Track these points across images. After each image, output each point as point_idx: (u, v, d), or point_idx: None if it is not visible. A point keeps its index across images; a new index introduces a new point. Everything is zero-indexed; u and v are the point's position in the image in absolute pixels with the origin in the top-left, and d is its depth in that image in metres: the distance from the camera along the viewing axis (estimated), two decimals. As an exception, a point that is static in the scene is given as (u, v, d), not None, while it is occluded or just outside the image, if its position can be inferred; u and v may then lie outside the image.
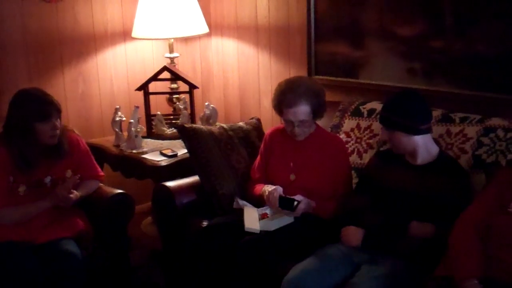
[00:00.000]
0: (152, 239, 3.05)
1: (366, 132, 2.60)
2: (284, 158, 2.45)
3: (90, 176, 2.57)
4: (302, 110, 2.30)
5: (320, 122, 2.52)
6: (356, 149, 2.59)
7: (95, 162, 2.61)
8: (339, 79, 2.96)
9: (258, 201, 2.41)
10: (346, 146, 2.57)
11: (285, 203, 2.27)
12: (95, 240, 2.45)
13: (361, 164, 2.54)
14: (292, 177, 2.41)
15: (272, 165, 2.49)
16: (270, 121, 3.19)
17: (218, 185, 2.57)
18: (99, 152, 3.02)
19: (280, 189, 2.33)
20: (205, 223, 2.49)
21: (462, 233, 1.89)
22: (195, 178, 2.67)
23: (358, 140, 2.61)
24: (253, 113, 3.28)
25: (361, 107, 2.68)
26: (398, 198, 2.13)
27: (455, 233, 1.90)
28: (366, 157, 2.52)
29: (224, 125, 2.80)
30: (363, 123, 2.63)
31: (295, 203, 2.26)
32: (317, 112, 2.35)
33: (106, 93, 3.41)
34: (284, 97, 2.33)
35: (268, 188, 2.36)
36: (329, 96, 3.01)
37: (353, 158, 2.58)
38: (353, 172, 2.53)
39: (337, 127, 2.70)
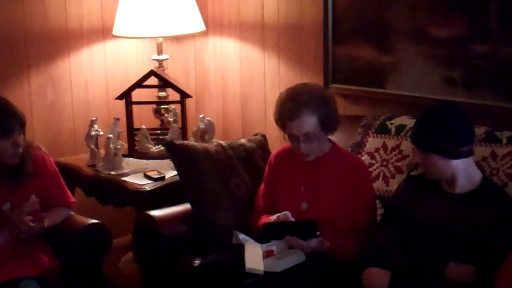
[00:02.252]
0: (133, 280, 3.03)
1: (394, 153, 2.61)
2: (293, 183, 2.46)
3: (59, 202, 2.58)
4: (307, 121, 2.32)
5: (337, 140, 2.54)
6: (381, 174, 2.60)
7: (65, 185, 2.63)
8: (361, 88, 2.99)
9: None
10: (370, 169, 2.58)
11: (303, 229, 2.27)
12: (63, 281, 2.45)
13: (388, 192, 2.55)
14: (304, 206, 2.42)
15: (279, 192, 2.51)
16: (278, 139, 3.19)
17: (214, 215, 2.58)
18: (70, 173, 3.04)
19: (289, 214, 2.34)
20: (197, 262, 2.49)
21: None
22: (186, 207, 2.68)
23: (384, 162, 2.62)
24: (258, 129, 3.30)
25: (388, 122, 2.70)
26: (432, 234, 2.13)
27: (507, 267, 1.89)
28: (394, 184, 2.52)
29: (223, 143, 2.81)
30: (390, 142, 2.64)
31: (318, 233, 2.26)
32: (326, 124, 2.37)
33: (80, 102, 3.44)
34: (285, 108, 2.36)
35: (274, 216, 2.38)
36: (350, 109, 3.07)
37: (378, 185, 2.58)
38: (377, 201, 2.53)
39: (359, 146, 2.71)
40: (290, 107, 2.33)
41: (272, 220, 2.38)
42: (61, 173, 2.65)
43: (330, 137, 2.48)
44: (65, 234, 2.53)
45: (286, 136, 2.43)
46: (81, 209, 2.79)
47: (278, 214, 2.36)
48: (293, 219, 2.34)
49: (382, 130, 2.68)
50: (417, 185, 2.26)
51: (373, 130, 2.71)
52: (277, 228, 2.33)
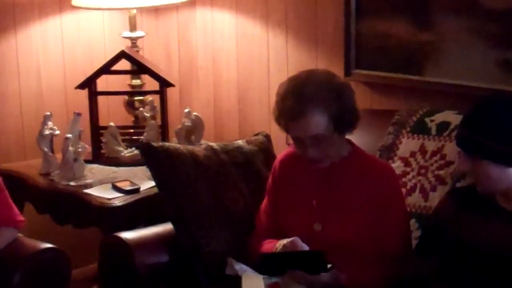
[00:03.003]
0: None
1: (434, 158, 2.62)
2: (304, 197, 2.47)
3: (2, 221, 2.58)
4: (314, 121, 2.32)
5: (361, 142, 2.54)
6: (418, 185, 2.61)
7: (10, 200, 2.63)
8: (393, 75, 3.00)
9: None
10: (403, 179, 2.59)
11: (310, 261, 2.28)
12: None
13: (427, 209, 2.56)
14: (317, 227, 2.43)
15: (285, 208, 2.51)
16: (286, 140, 3.22)
17: (203, 238, 2.58)
18: (17, 184, 3.05)
19: (299, 241, 2.35)
20: (181, 300, 2.51)
21: None
22: (166, 228, 2.69)
23: (422, 170, 2.62)
24: (259, 127, 3.31)
25: (427, 119, 2.71)
26: (485, 264, 2.13)
27: None
28: (435, 198, 2.53)
29: (214, 145, 2.82)
30: (431, 145, 2.64)
31: (329, 265, 2.27)
32: (341, 122, 2.37)
33: (30, 92, 3.45)
34: (286, 104, 2.36)
35: (284, 241, 2.39)
36: (378, 102, 3.09)
37: (414, 199, 2.59)
38: (412, 221, 2.53)
39: (390, 149, 2.72)
40: (292, 103, 2.33)
41: (278, 249, 2.38)
42: (6, 184, 2.65)
43: (350, 137, 2.49)
44: (10, 262, 2.52)
45: (289, 139, 2.44)
46: (31, 230, 2.80)
47: (284, 242, 2.36)
48: (305, 247, 2.33)
49: (420, 129, 2.69)
50: (465, 200, 2.26)
51: (408, 129, 2.71)
52: (277, 260, 2.33)
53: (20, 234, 2.64)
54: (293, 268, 2.28)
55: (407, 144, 2.69)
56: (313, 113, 2.31)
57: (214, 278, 2.54)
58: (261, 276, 2.37)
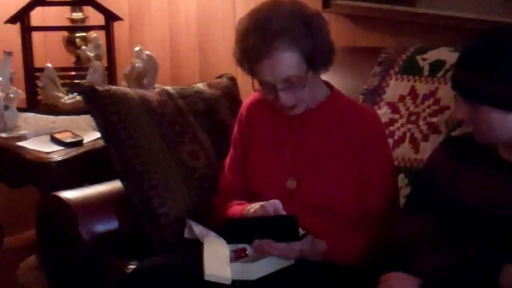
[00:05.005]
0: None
1: (427, 103, 2.63)
2: (275, 148, 2.48)
3: None
4: (284, 60, 2.31)
5: (340, 85, 2.53)
6: (408, 134, 2.63)
7: None
8: (379, 6, 3.00)
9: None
10: (390, 128, 2.61)
11: (280, 228, 2.27)
12: None
13: (417, 162, 2.58)
14: (291, 183, 2.44)
15: (254, 162, 2.51)
16: (252, 85, 3.21)
17: (157, 198, 2.59)
18: None
19: (279, 204, 2.33)
20: (132, 266, 2.51)
21: None
22: (114, 186, 2.71)
23: (413, 117, 2.64)
24: (224, 69, 3.29)
25: (418, 57, 2.72)
26: (483, 224, 2.14)
27: None
28: (427, 149, 2.55)
29: (170, 89, 2.82)
30: (422, 87, 2.66)
31: (302, 231, 2.26)
32: (314, 58, 2.36)
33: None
34: (247, 44, 2.35)
35: (257, 205, 2.37)
36: (362, 38, 3.09)
37: (402, 151, 2.61)
38: (401, 176, 2.56)
39: (375, 93, 2.73)
40: (255, 41, 2.32)
41: (251, 211, 2.36)
42: None
43: (328, 79, 2.48)
44: None
45: (255, 83, 2.42)
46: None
47: (263, 203, 2.34)
48: (282, 212, 2.32)
49: (410, 69, 2.70)
50: (462, 151, 2.27)
51: (396, 70, 2.72)
52: (243, 226, 2.33)
53: None
54: (260, 236, 2.27)
55: (396, 87, 2.70)
56: (282, 51, 2.30)
57: (169, 244, 2.55)
58: (224, 240, 2.38)
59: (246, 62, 2.39)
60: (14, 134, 3.04)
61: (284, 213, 2.32)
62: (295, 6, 2.40)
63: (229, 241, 2.34)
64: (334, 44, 2.41)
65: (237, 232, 2.31)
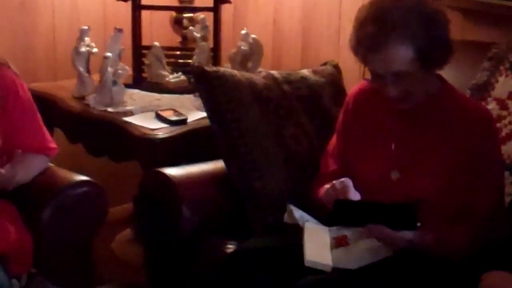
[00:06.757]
0: (133, 269, 3.11)
1: (538, 101, 2.61)
2: (380, 139, 2.47)
3: (33, 147, 2.61)
4: (398, 54, 2.29)
5: (451, 78, 2.51)
6: (516, 132, 2.61)
7: (42, 124, 2.67)
8: (489, 0, 2.96)
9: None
10: (498, 124, 2.57)
11: (396, 216, 2.25)
12: (36, 263, 2.49)
13: (525, 160, 2.55)
14: (395, 175, 2.43)
15: (358, 151, 2.52)
16: (358, 71, 3.19)
17: (259, 180, 2.61)
18: (46, 107, 3.07)
19: (349, 183, 2.34)
20: (231, 247, 2.54)
21: None
22: (217, 166, 2.73)
23: (522, 115, 2.63)
24: (326, 56, 3.29)
25: (531, 55, 2.69)
26: None
27: None
28: (536, 148, 2.53)
29: (275, 73, 2.83)
30: (534, 86, 2.64)
31: (418, 224, 2.24)
32: (429, 57, 2.33)
33: (63, 3, 3.46)
34: (364, 32, 2.33)
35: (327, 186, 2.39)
36: (471, 32, 3.05)
37: (509, 148, 2.59)
38: (506, 173, 2.53)
39: (483, 89, 2.71)
40: (372, 31, 2.30)
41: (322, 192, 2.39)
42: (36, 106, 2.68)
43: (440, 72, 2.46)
44: (40, 195, 2.56)
45: (367, 72, 2.41)
46: (61, 160, 2.83)
47: (334, 182, 2.36)
48: (357, 195, 2.33)
49: (522, 66, 2.68)
50: None
51: (507, 66, 2.70)
52: (355, 208, 2.32)
53: (51, 164, 2.69)
54: (373, 221, 2.26)
55: (505, 84, 2.67)
56: (397, 45, 2.28)
57: (270, 227, 2.57)
58: (326, 228, 2.39)
59: (360, 51, 2.37)
60: (120, 109, 3.08)
61: (355, 192, 2.33)
62: (417, 0, 2.37)
63: (336, 223, 2.35)
64: (453, 44, 2.37)
65: (347, 214, 2.29)
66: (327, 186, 2.40)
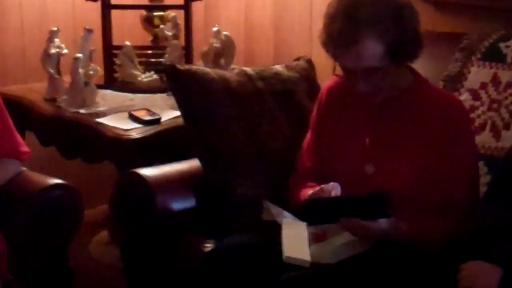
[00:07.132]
0: (110, 270, 3.09)
1: (509, 90, 2.60)
2: (354, 133, 2.48)
3: (5, 152, 2.60)
4: (368, 50, 2.29)
5: (423, 70, 2.51)
6: (489, 122, 2.61)
7: (13, 127, 2.65)
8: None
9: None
10: (471, 115, 2.57)
11: (367, 207, 2.25)
12: (12, 269, 2.47)
13: (498, 150, 2.56)
14: (370, 169, 2.43)
15: (333, 146, 2.51)
16: (332, 66, 3.19)
17: (235, 178, 2.61)
18: (18, 111, 3.05)
19: (338, 187, 2.35)
20: (209, 246, 2.53)
21: None
22: (192, 165, 2.71)
23: (495, 105, 2.62)
24: (299, 51, 3.28)
25: (502, 44, 2.68)
26: None
27: None
28: (508, 138, 2.53)
29: (248, 70, 2.82)
30: (505, 75, 2.63)
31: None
32: (399, 51, 2.33)
33: (32, 4, 3.43)
34: (334, 28, 2.33)
35: (315, 189, 2.39)
36: (442, 24, 3.05)
37: (483, 139, 2.59)
38: (481, 163, 2.53)
39: (456, 79, 2.71)
40: (341, 26, 2.30)
41: (309, 193, 2.38)
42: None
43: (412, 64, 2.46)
44: (13, 199, 2.55)
45: (338, 68, 2.42)
46: (34, 164, 2.81)
47: (323, 186, 2.36)
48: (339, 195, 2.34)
49: (493, 55, 2.67)
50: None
51: (478, 56, 2.70)
52: (326, 206, 2.31)
53: (24, 168, 2.67)
54: (345, 215, 2.27)
55: (477, 74, 2.67)
56: (367, 40, 2.28)
57: (247, 225, 2.56)
58: (304, 224, 2.39)
59: (330, 46, 2.37)
60: (92, 110, 3.07)
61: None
62: None
63: (311, 223, 2.34)
64: (423, 37, 2.37)
65: (319, 212, 2.29)
66: (313, 191, 2.38)
